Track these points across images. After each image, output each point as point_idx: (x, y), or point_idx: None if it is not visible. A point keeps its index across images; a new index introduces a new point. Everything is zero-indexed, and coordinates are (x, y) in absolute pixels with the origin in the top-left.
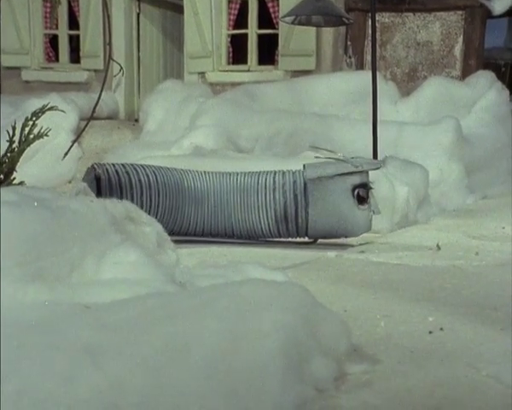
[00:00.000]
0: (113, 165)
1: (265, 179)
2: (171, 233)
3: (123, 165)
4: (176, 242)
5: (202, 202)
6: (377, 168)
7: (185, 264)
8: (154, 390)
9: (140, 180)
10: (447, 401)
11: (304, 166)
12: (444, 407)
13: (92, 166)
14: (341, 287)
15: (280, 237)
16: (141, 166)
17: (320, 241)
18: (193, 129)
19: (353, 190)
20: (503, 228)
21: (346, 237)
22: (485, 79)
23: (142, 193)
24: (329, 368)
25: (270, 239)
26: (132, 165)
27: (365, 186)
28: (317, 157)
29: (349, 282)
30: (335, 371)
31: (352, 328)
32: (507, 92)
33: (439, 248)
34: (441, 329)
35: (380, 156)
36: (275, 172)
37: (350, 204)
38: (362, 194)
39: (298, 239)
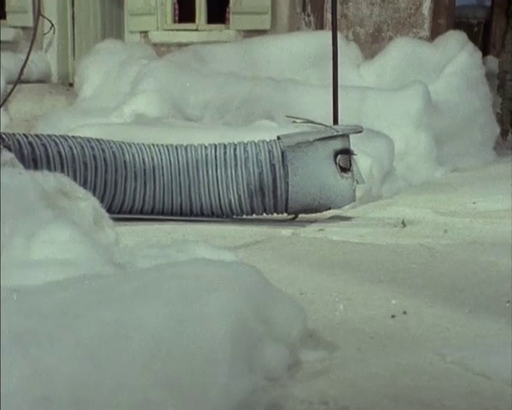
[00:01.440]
0: (26, 136)
1: (234, 150)
2: (108, 212)
3: (38, 136)
4: (116, 220)
5: (151, 177)
6: (359, 132)
7: (125, 243)
8: (89, 382)
9: (60, 153)
10: (409, 390)
11: (278, 136)
12: (405, 397)
13: (0, 136)
14: (297, 268)
15: (254, 213)
16: (64, 137)
17: (301, 217)
18: (134, 95)
19: (335, 157)
20: (474, 203)
21: (329, 208)
22: (455, 40)
23: (63, 167)
24: (282, 356)
25: (238, 217)
26: (51, 136)
27: (347, 152)
28: (294, 122)
29: (305, 262)
30: (289, 359)
31: (308, 312)
32: (479, 54)
33: (404, 225)
34: (404, 312)
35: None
36: (245, 143)
37: (332, 172)
38: (344, 160)
39: (275, 216)
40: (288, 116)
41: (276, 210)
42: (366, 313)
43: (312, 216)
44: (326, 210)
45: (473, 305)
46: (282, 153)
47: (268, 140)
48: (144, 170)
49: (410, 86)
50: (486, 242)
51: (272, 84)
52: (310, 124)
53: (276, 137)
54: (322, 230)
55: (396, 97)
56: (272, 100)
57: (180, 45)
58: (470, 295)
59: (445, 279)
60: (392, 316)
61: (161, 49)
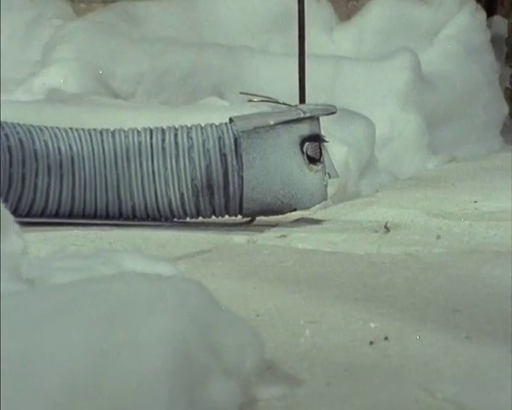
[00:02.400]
0: None
1: (175, 136)
2: (14, 215)
3: None
4: (25, 224)
5: (68, 171)
6: (332, 113)
7: (36, 253)
8: None
9: None
10: None
11: (230, 118)
12: None
13: None
14: (253, 284)
15: (200, 215)
16: None
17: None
18: (46, 65)
19: (302, 145)
20: (475, 202)
21: (294, 209)
22: None
23: None
24: (233, 392)
25: (181, 220)
26: None
27: (317, 139)
28: (250, 100)
29: (264, 277)
30: (241, 397)
31: (266, 338)
32: (483, 14)
33: (387, 230)
34: (386, 338)
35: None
36: (189, 127)
37: (298, 164)
38: (313, 149)
39: (226, 219)
40: (242, 93)
41: (227, 212)
42: (338, 339)
43: (273, 219)
44: (290, 211)
45: (470, 329)
46: (236, 140)
47: (217, 124)
48: (60, 162)
49: (395, 55)
50: (489, 251)
51: (223, 53)
52: (270, 103)
53: (227, 120)
54: (285, 236)
55: (378, 69)
56: (223, 72)
57: (105, 2)
58: (467, 317)
59: (437, 297)
60: (371, 343)
61: (81, 6)
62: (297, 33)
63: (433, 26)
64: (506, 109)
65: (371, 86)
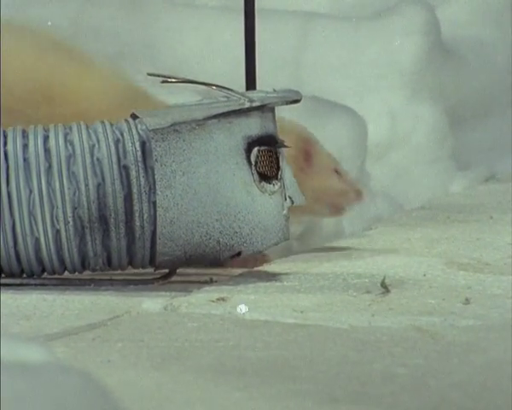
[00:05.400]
0: None
1: (44, 141)
2: None
3: None
4: None
5: None
6: (295, 102)
7: None
8: None
9: None
10: None
11: (133, 113)
12: None
13: None
14: (173, 377)
15: (87, 266)
16: None
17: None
18: None
19: (249, 151)
20: None
21: (237, 254)
22: None
23: None
24: None
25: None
26: None
27: (272, 142)
28: (164, 82)
29: (190, 366)
30: None
31: None
32: None
33: (386, 289)
34: None
35: (260, 88)
36: (67, 126)
37: (244, 181)
38: (266, 159)
39: (130, 271)
40: (150, 74)
41: (131, 260)
42: None
43: (205, 271)
44: (232, 258)
45: None
46: (143, 145)
47: (114, 121)
48: None
49: (398, 10)
50: None
51: (123, 6)
52: (198, 86)
53: (130, 115)
54: (223, 300)
55: (372, 32)
56: (122, 36)
57: None
58: None
59: (462, 400)
60: None
61: None
62: None
63: None
64: None
65: (360, 61)
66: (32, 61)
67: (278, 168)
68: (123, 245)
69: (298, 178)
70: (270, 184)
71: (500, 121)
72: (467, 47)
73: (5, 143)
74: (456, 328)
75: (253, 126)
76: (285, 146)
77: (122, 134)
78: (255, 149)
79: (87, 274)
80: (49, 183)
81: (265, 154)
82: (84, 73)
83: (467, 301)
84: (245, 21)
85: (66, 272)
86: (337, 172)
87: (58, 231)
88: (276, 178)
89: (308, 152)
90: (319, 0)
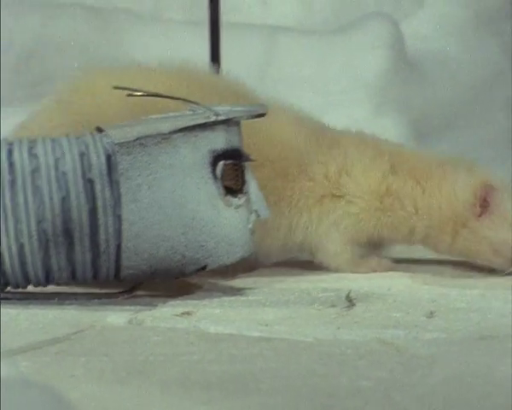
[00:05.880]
0: None
1: (9, 153)
2: None
3: None
4: None
5: None
6: (260, 116)
7: None
8: None
9: None
10: None
11: (98, 127)
12: None
13: None
14: (137, 391)
15: (51, 281)
16: None
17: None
18: None
19: (214, 165)
20: None
21: (202, 268)
22: None
23: None
24: None
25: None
26: None
27: (237, 156)
28: (130, 95)
29: (155, 380)
30: None
31: None
32: None
33: (351, 303)
34: None
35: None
36: (32, 140)
37: (209, 195)
38: (232, 172)
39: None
40: (117, 87)
41: (96, 274)
42: None
43: (171, 285)
44: (197, 272)
45: None
46: (108, 158)
47: (83, 134)
48: None
49: (364, 24)
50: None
51: (83, 15)
52: (163, 99)
53: (95, 128)
54: (188, 313)
55: (337, 46)
56: (83, 45)
57: None
58: None
59: None
60: None
61: None
62: None
63: None
64: None
65: (325, 74)
66: None
67: (243, 182)
68: (87, 259)
69: (471, 225)
70: (235, 197)
71: (464, 134)
72: (431, 61)
73: None
74: (420, 341)
75: (219, 140)
76: (250, 160)
77: (87, 147)
78: (221, 163)
79: (51, 288)
80: (12, 197)
81: (231, 167)
82: None
83: (431, 315)
84: (210, 35)
85: (30, 286)
86: None
87: (22, 245)
88: (242, 192)
89: (486, 200)
90: (285, 14)
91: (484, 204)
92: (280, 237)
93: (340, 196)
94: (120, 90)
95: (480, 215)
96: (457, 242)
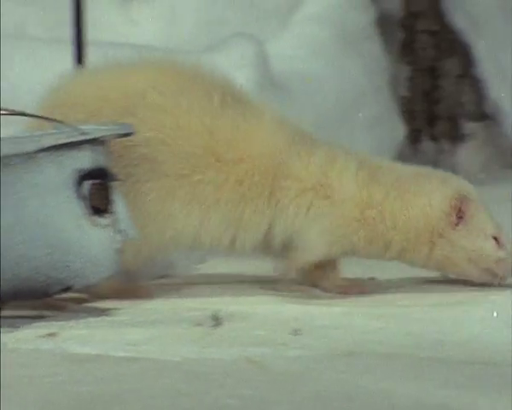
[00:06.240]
0: None
1: None
2: None
3: None
4: None
5: None
6: (127, 135)
7: None
8: None
9: None
10: None
11: None
12: None
13: None
14: None
15: None
16: None
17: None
18: None
19: (80, 184)
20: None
21: (67, 289)
22: None
23: None
24: None
25: None
26: None
27: (104, 175)
28: None
29: (16, 402)
30: None
31: None
32: None
33: (217, 322)
34: None
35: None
36: None
37: (75, 215)
38: (99, 192)
39: None
40: None
41: None
42: None
43: (35, 305)
44: (62, 293)
45: None
46: None
47: None
48: None
49: (228, 44)
50: (375, 352)
51: None
52: (28, 118)
53: None
54: (53, 335)
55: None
56: None
57: None
58: None
59: None
60: None
61: None
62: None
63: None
64: (401, 130)
65: None
66: None
67: (110, 202)
68: None
69: (447, 235)
70: (101, 217)
71: None
72: (295, 80)
73: None
74: (285, 358)
75: (85, 160)
76: (117, 179)
77: None
78: (87, 183)
79: None
80: None
81: (97, 187)
82: None
83: (296, 333)
84: (75, 52)
85: None
86: (496, 239)
87: None
88: (108, 212)
89: (461, 210)
90: (153, 33)
91: (459, 214)
92: (259, 234)
93: (321, 195)
94: None
95: (456, 225)
96: (434, 252)
